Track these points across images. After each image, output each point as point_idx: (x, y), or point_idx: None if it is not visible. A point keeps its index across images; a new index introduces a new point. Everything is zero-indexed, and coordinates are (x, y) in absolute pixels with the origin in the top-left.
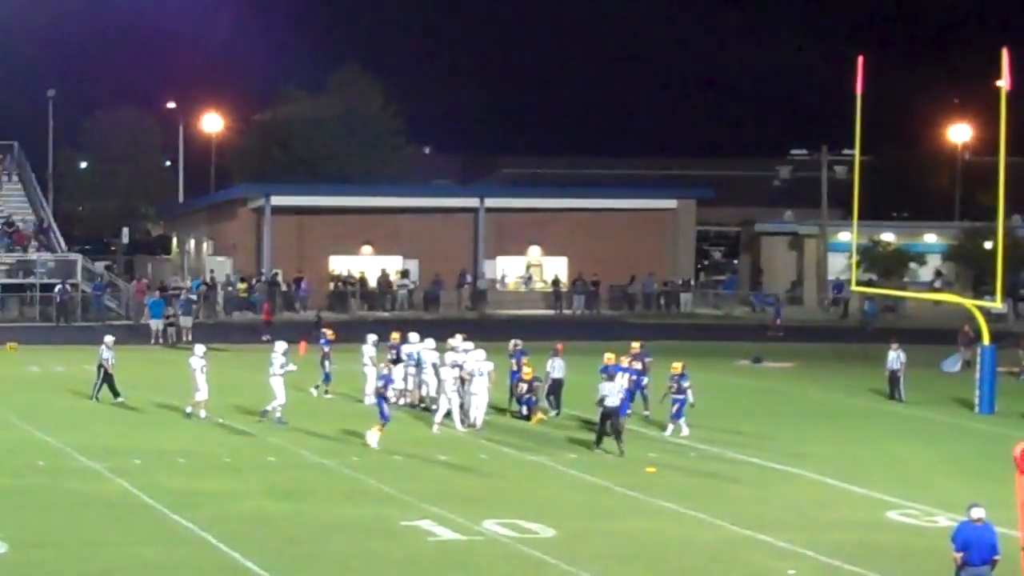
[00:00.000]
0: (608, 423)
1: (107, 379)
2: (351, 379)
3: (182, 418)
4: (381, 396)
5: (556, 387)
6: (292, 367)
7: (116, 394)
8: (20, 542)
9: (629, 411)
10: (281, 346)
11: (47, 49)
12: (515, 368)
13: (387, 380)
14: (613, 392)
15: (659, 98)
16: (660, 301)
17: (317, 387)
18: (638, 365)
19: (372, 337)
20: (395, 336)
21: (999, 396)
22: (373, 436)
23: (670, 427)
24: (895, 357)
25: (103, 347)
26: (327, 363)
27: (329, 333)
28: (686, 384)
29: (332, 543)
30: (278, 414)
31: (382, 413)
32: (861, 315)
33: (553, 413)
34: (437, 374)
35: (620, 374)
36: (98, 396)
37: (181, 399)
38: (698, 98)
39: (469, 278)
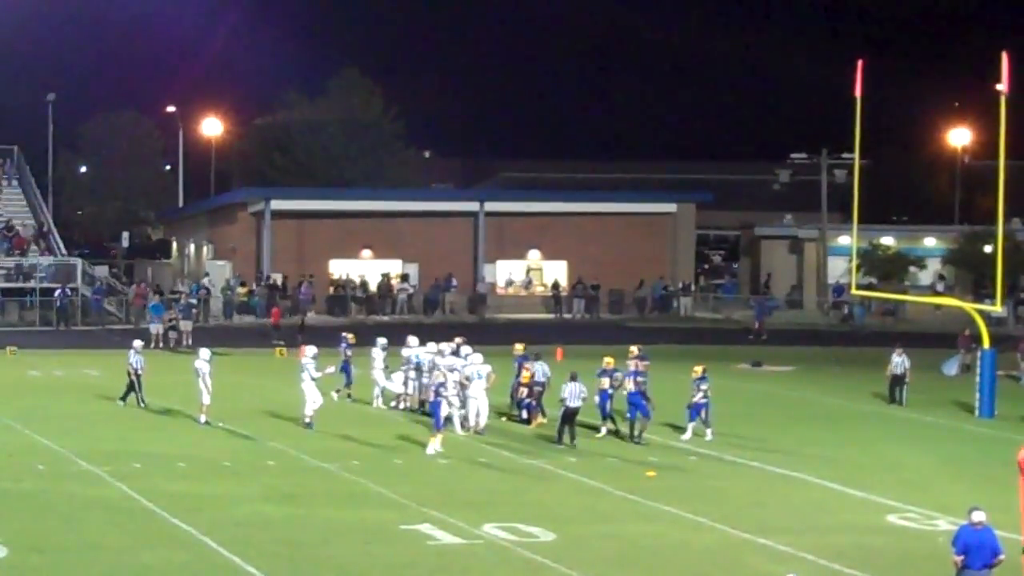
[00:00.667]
0: (570, 423)
1: (132, 383)
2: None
3: (181, 422)
4: (436, 403)
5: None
6: (330, 369)
7: (124, 398)
8: (20, 546)
9: (649, 415)
10: (311, 350)
11: (47, 53)
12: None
13: (441, 386)
14: (573, 394)
15: (659, 102)
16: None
17: (338, 391)
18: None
19: (382, 341)
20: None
21: (999, 400)
22: (433, 446)
23: (708, 432)
24: (899, 361)
25: (131, 352)
26: (350, 367)
27: (350, 337)
28: (704, 387)
29: (332, 547)
30: (307, 419)
31: (437, 421)
32: (854, 319)
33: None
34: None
35: (606, 378)
36: (144, 401)
37: (182, 403)
38: (697, 102)
39: (455, 283)
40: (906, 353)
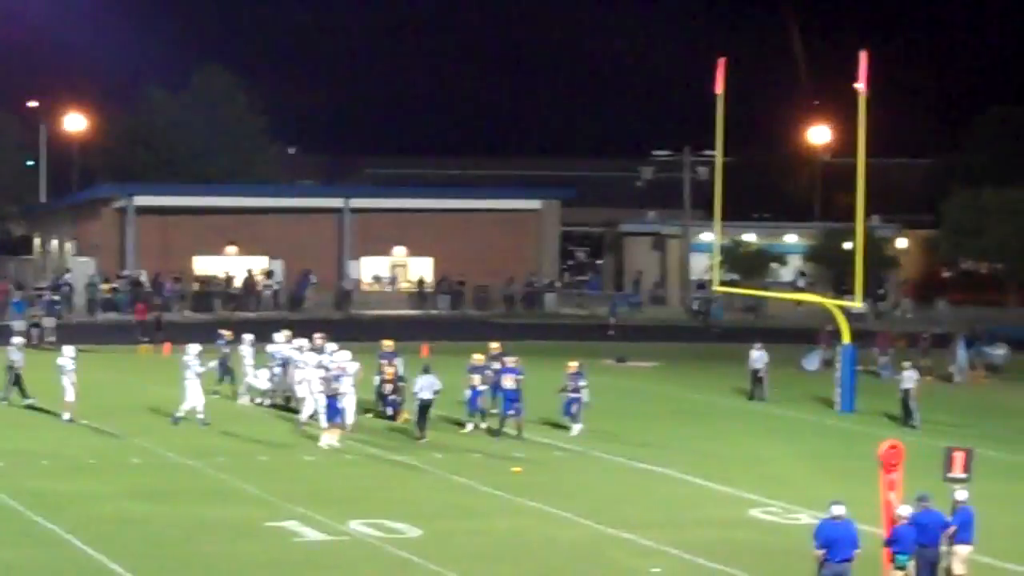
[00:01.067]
0: (423, 415)
1: (17, 380)
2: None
3: (45, 420)
4: (333, 397)
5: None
6: (212, 364)
7: (25, 395)
8: None
9: (512, 411)
10: (194, 348)
11: None
12: (382, 369)
13: (336, 379)
14: (425, 387)
15: (524, 98)
16: (521, 301)
17: (216, 392)
18: (497, 365)
19: (249, 337)
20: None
21: (859, 395)
22: (330, 437)
23: (574, 427)
24: (758, 356)
25: (12, 348)
26: (227, 363)
27: (227, 333)
28: (582, 383)
29: (198, 544)
30: (200, 415)
31: (335, 412)
32: (707, 315)
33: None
34: (301, 374)
35: (477, 375)
36: (9, 398)
37: (45, 400)
38: (562, 97)
39: (314, 279)
40: (764, 348)
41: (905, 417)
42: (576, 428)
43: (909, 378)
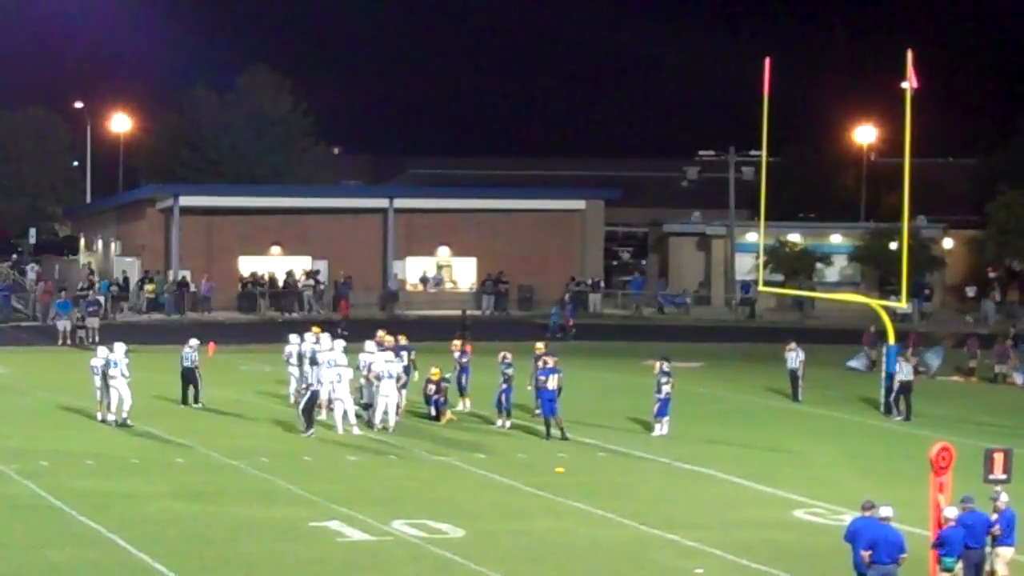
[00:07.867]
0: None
1: (195, 382)
2: (262, 380)
3: (89, 420)
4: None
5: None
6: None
7: (196, 398)
8: None
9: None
10: (295, 337)
11: None
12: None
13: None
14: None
15: (567, 98)
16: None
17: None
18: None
19: (295, 338)
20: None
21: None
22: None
23: (656, 426)
24: (793, 356)
25: (188, 349)
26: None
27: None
28: (663, 381)
29: (241, 544)
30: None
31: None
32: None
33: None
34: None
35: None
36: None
37: (90, 401)
38: (606, 98)
39: (314, 283)
40: (800, 348)
41: (888, 409)
42: (658, 426)
43: (905, 370)
